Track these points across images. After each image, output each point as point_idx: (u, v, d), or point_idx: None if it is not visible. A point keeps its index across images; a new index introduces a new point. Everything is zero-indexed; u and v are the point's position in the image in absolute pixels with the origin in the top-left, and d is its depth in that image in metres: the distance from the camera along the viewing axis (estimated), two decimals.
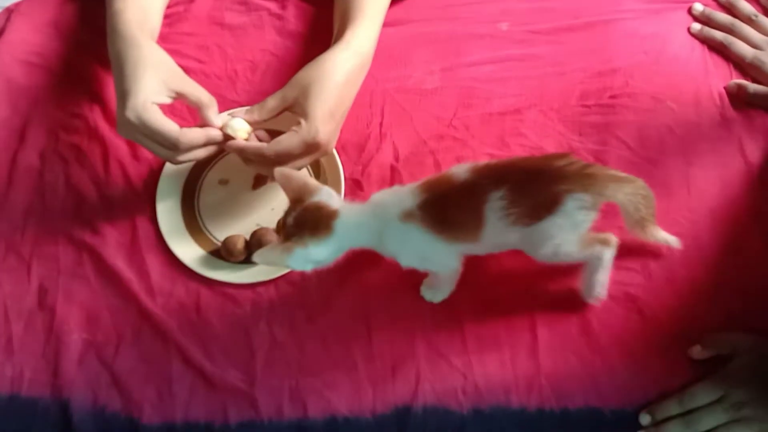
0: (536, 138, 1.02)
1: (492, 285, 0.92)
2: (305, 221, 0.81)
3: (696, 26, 1.10)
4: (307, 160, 0.91)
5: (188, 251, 0.97)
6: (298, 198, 0.83)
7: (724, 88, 1.05)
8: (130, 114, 0.85)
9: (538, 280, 0.93)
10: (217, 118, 0.91)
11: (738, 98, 1.04)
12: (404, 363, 0.90)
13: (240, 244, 0.95)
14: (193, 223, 0.99)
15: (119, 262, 0.96)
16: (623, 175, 0.83)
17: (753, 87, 1.03)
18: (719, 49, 1.08)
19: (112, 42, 0.93)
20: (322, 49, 0.94)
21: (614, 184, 0.81)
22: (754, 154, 1.00)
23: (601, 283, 0.89)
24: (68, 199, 1.01)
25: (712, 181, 0.98)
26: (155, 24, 1.01)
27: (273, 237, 0.94)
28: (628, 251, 0.94)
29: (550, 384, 0.89)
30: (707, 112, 1.02)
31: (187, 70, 1.01)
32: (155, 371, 0.91)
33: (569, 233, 0.82)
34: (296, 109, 0.90)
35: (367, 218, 0.83)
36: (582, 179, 0.79)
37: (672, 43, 1.09)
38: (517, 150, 1.01)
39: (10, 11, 1.16)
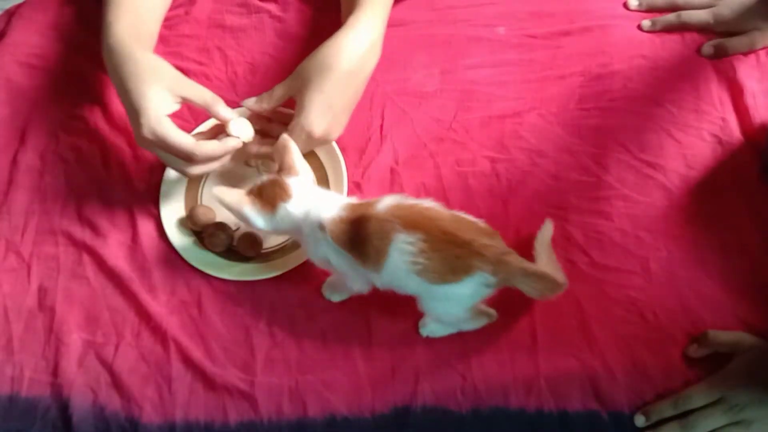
0: (535, 141, 1.03)
1: None
2: (264, 190, 0.86)
3: (647, 23, 1.10)
4: (310, 149, 0.95)
5: (192, 251, 0.97)
6: (280, 169, 0.87)
7: (700, 53, 1.07)
8: (146, 131, 0.87)
9: None
10: (227, 111, 0.93)
11: (718, 58, 1.06)
12: (403, 363, 0.90)
13: (204, 216, 0.97)
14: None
15: (119, 262, 0.96)
16: (533, 269, 0.83)
17: (727, 41, 1.05)
18: (679, 28, 1.09)
19: (106, 57, 0.93)
20: None
21: (522, 277, 0.82)
22: (754, 156, 1.00)
23: (444, 333, 0.91)
24: (68, 199, 1.01)
25: (712, 183, 0.99)
26: (152, 30, 1.01)
27: (211, 215, 0.98)
28: (629, 252, 0.95)
29: (548, 385, 0.89)
30: (707, 116, 1.03)
31: (187, 72, 1.02)
32: (155, 371, 0.91)
33: (464, 301, 0.85)
34: (297, 100, 0.92)
35: (297, 213, 0.85)
36: (496, 264, 0.80)
37: (671, 47, 1.09)
38: (516, 153, 1.02)
39: (10, 13, 1.17)
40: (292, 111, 0.94)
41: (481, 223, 0.83)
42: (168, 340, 0.92)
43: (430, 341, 0.91)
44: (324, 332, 0.93)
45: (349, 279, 0.88)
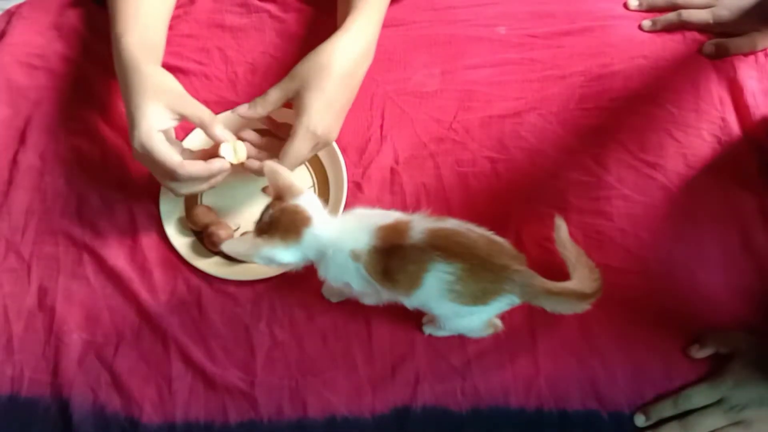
0: (535, 141, 1.02)
1: None
2: (280, 222, 0.81)
3: (647, 23, 1.10)
4: (315, 151, 0.93)
5: (191, 249, 0.97)
6: (280, 196, 0.82)
7: (702, 53, 1.07)
8: (136, 144, 0.87)
9: None
10: (223, 133, 0.90)
11: (719, 57, 1.06)
12: (404, 363, 0.91)
13: (204, 216, 0.97)
14: None
15: (119, 262, 0.96)
16: (557, 289, 0.83)
17: (728, 41, 1.05)
18: (680, 27, 1.09)
19: (117, 67, 0.93)
20: None
21: (545, 296, 0.83)
22: (754, 156, 1.00)
23: (448, 333, 0.91)
24: (68, 199, 1.01)
25: (713, 183, 0.99)
26: (160, 39, 1.00)
27: (212, 215, 0.97)
28: (629, 252, 0.95)
29: (548, 385, 0.90)
30: (707, 116, 1.03)
31: (187, 72, 1.02)
32: (155, 371, 0.91)
33: (485, 318, 0.87)
34: (296, 102, 0.90)
35: (326, 238, 0.82)
36: (524, 287, 0.81)
37: (671, 47, 1.09)
38: (516, 153, 1.02)
39: (11, 14, 1.16)
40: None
41: (506, 243, 0.83)
42: (168, 340, 0.92)
43: (431, 341, 0.91)
44: (324, 332, 0.93)
45: (366, 297, 0.87)
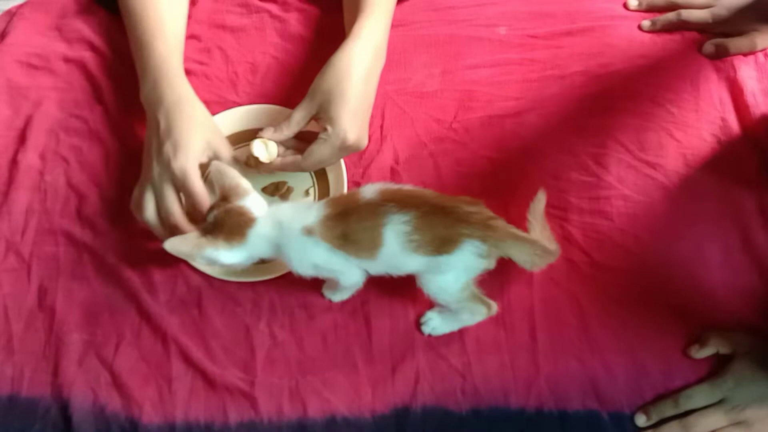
0: (536, 141, 1.02)
1: (492, 286, 0.92)
2: (224, 223, 0.82)
3: (647, 23, 1.10)
4: (340, 157, 0.95)
5: None
6: (225, 196, 0.84)
7: (702, 53, 1.07)
8: (176, 167, 0.88)
9: (537, 281, 0.94)
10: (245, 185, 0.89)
11: (719, 57, 1.06)
12: (404, 363, 0.91)
13: None
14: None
15: (119, 262, 0.96)
16: (522, 234, 0.84)
17: (728, 41, 1.06)
18: (679, 27, 1.09)
19: (147, 75, 0.95)
20: (324, 52, 0.94)
21: (511, 241, 0.83)
22: (754, 156, 1.00)
23: (446, 330, 0.91)
24: (68, 199, 1.01)
25: (713, 183, 0.99)
26: (182, 47, 1.02)
27: None
28: (629, 252, 0.95)
29: (548, 386, 0.90)
30: (707, 116, 1.03)
31: (188, 72, 1.02)
32: (155, 371, 0.91)
33: (460, 274, 0.85)
34: (321, 116, 0.90)
35: (271, 230, 0.83)
36: (484, 229, 0.82)
37: (671, 47, 1.09)
38: (516, 153, 1.02)
39: (12, 14, 1.16)
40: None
41: (464, 197, 0.84)
42: (168, 340, 0.92)
43: (431, 341, 0.91)
44: (324, 332, 0.93)
45: (341, 276, 0.87)
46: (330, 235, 0.82)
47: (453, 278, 0.85)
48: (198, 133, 0.90)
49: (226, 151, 0.93)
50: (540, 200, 0.91)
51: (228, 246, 0.82)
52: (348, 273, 0.86)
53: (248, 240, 0.83)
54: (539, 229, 0.89)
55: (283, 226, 0.83)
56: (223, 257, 0.83)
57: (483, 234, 0.82)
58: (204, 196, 0.88)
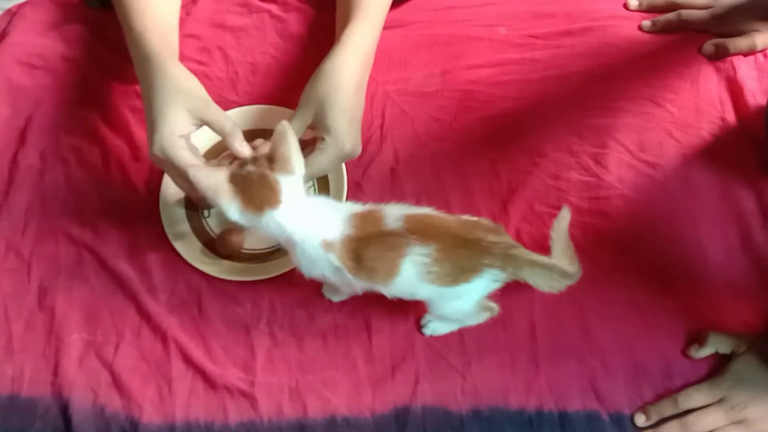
0: (536, 141, 1.03)
1: None
2: (251, 186, 0.78)
3: (647, 23, 1.11)
4: (338, 165, 0.95)
5: (192, 251, 0.97)
6: (272, 160, 0.79)
7: (702, 53, 1.08)
8: (156, 148, 0.85)
9: None
10: (243, 147, 0.88)
11: (719, 57, 1.06)
12: (404, 363, 0.91)
13: (237, 243, 0.96)
14: (197, 222, 0.99)
15: (119, 262, 0.96)
16: (541, 260, 0.83)
17: (728, 41, 1.06)
18: (679, 27, 1.09)
19: (138, 64, 0.92)
20: (323, 52, 0.95)
21: (529, 268, 0.82)
22: (754, 155, 1.00)
23: (447, 330, 0.91)
24: (69, 199, 1.01)
25: (712, 183, 0.99)
26: (176, 42, 1.00)
27: (239, 239, 0.96)
28: (629, 252, 0.95)
29: (548, 386, 0.90)
30: (707, 116, 1.03)
31: None
32: (155, 371, 0.91)
33: (473, 297, 0.85)
34: (317, 124, 0.89)
35: (289, 225, 0.79)
36: (504, 258, 0.81)
37: (671, 47, 1.09)
38: (516, 153, 1.02)
39: (12, 13, 1.16)
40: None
41: (483, 220, 0.83)
42: (168, 340, 0.92)
43: (430, 341, 0.91)
44: (324, 332, 0.93)
45: (345, 288, 0.86)
46: (347, 258, 0.79)
47: (465, 302, 0.85)
48: (173, 106, 0.86)
49: (214, 118, 0.88)
50: (563, 218, 0.88)
51: (241, 209, 0.78)
52: (353, 288, 0.85)
53: (262, 217, 0.78)
54: (562, 247, 0.87)
55: (304, 230, 0.79)
56: (231, 213, 0.78)
57: (503, 263, 0.81)
58: (192, 166, 0.83)
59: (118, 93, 1.07)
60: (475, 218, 0.83)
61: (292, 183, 0.79)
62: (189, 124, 0.88)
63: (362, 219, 0.80)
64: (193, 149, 0.89)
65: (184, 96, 0.87)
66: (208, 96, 0.90)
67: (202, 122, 0.88)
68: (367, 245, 0.79)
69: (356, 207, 0.83)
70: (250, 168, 0.79)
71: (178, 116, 0.86)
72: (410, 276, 0.79)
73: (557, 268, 0.83)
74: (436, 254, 0.78)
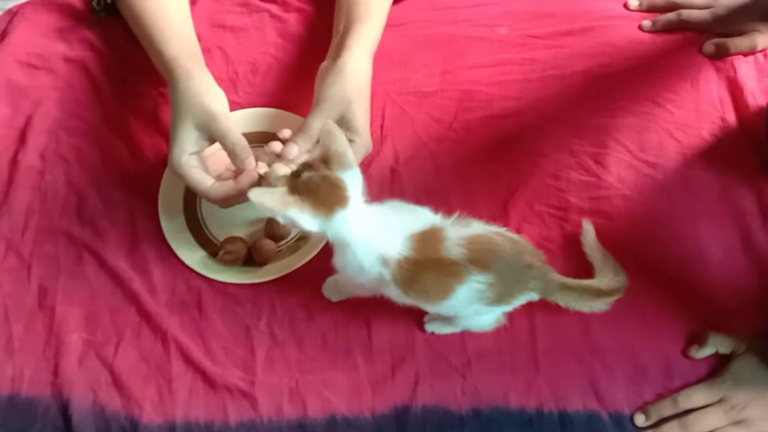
0: (536, 141, 1.03)
1: None
2: (317, 190, 0.75)
3: (647, 23, 1.11)
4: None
5: (190, 251, 0.97)
6: (326, 160, 0.77)
7: (702, 53, 1.08)
8: (170, 167, 0.90)
9: None
10: (251, 165, 0.89)
11: (719, 57, 1.06)
12: (404, 363, 0.91)
13: (241, 248, 0.96)
14: (195, 223, 1.00)
15: (119, 262, 0.96)
16: (573, 283, 0.85)
17: (729, 41, 1.06)
18: (679, 27, 1.09)
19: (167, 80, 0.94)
20: (323, 52, 0.95)
21: (562, 292, 0.84)
22: (754, 155, 1.00)
23: (449, 331, 0.92)
24: (68, 199, 1.01)
25: (712, 183, 0.99)
26: (197, 48, 1.00)
27: (272, 245, 0.96)
28: (629, 252, 0.95)
29: (548, 386, 0.90)
30: (707, 116, 1.03)
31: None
32: (155, 371, 0.91)
33: (500, 312, 0.87)
34: (342, 125, 0.89)
35: (354, 228, 0.78)
36: (542, 282, 0.82)
37: (672, 47, 1.09)
38: (516, 153, 1.02)
39: (12, 13, 1.16)
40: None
41: (523, 240, 0.84)
42: (168, 340, 0.92)
43: (431, 341, 0.91)
44: (324, 332, 0.93)
45: (371, 291, 0.86)
46: (401, 278, 0.78)
47: (492, 317, 0.87)
48: (183, 122, 0.89)
49: (218, 132, 0.89)
50: (588, 231, 0.92)
51: (313, 214, 0.75)
52: (385, 293, 0.84)
53: (333, 219, 0.76)
54: (601, 260, 0.89)
55: (365, 240, 0.78)
56: (304, 222, 0.76)
57: (542, 287, 0.82)
58: (203, 185, 0.89)
59: (119, 93, 1.07)
60: (517, 236, 0.84)
61: (353, 177, 0.78)
62: (200, 140, 0.90)
63: (422, 241, 0.78)
64: (204, 166, 0.92)
65: (192, 112, 0.89)
66: (220, 109, 0.90)
67: (214, 136, 0.90)
68: (424, 270, 0.78)
69: (419, 220, 0.81)
70: (307, 174, 0.76)
71: (188, 134, 0.89)
72: (462, 299, 0.79)
73: (589, 289, 0.85)
74: (492, 281, 0.78)
